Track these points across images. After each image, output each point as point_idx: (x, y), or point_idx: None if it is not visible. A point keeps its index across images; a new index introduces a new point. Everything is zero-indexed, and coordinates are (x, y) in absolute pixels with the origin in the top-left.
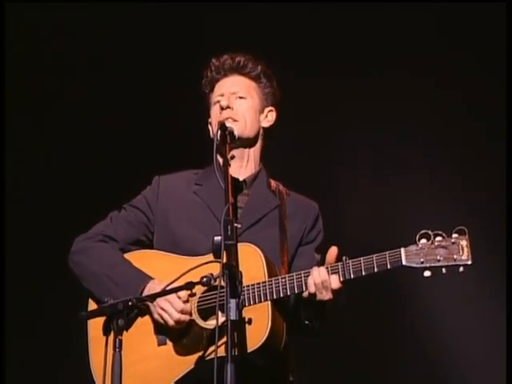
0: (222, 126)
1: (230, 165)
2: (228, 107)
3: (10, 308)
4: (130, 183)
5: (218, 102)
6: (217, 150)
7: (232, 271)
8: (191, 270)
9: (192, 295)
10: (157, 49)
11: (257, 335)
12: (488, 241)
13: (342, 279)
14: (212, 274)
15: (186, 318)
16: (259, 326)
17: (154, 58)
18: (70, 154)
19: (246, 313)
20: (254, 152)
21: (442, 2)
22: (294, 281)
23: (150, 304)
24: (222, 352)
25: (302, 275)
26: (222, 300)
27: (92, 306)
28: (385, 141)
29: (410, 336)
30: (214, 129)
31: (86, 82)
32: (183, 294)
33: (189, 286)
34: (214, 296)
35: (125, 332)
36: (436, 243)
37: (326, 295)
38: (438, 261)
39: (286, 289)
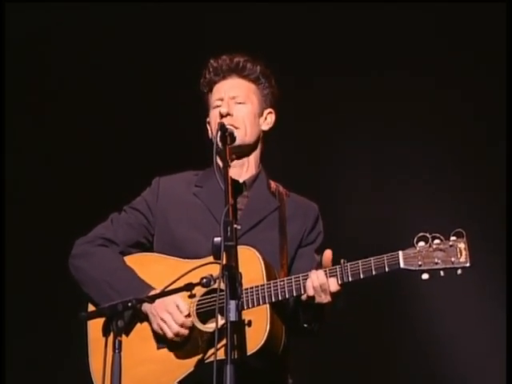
0: (222, 127)
1: (230, 166)
2: (228, 114)
3: (9, 308)
4: (130, 184)
5: (217, 106)
6: (217, 152)
7: (232, 272)
8: (191, 271)
9: (191, 296)
10: (157, 49)
11: (255, 338)
12: (488, 241)
13: (340, 282)
14: (212, 275)
15: (185, 331)
16: (258, 328)
17: (154, 58)
18: (70, 154)
19: (245, 316)
20: (255, 155)
21: (442, 2)
22: (293, 284)
23: (149, 314)
24: (221, 355)
25: (301, 278)
26: (221, 302)
27: (91, 308)
28: (385, 141)
29: (410, 338)
30: (213, 130)
31: (85, 82)
32: (184, 308)
33: (188, 287)
34: (213, 299)
35: (124, 336)
36: (434, 246)
37: (325, 298)
38: (436, 264)
39: (285, 292)
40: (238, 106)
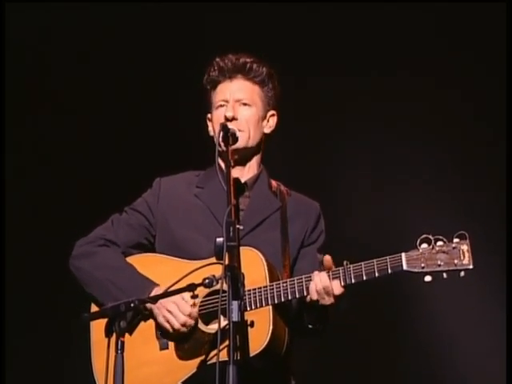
0: (225, 127)
1: (233, 166)
2: (233, 118)
3: (10, 308)
4: (131, 184)
5: (221, 106)
6: (218, 153)
7: (234, 273)
8: (193, 271)
9: (194, 297)
10: (157, 49)
11: (258, 339)
12: (488, 242)
13: (343, 284)
14: (214, 276)
15: (191, 322)
16: (261, 330)
17: (154, 58)
18: (70, 154)
19: (248, 317)
20: (256, 157)
21: (442, 2)
22: (296, 285)
23: (153, 307)
24: (224, 356)
25: (304, 280)
26: (224, 303)
27: (94, 309)
28: (385, 141)
29: (412, 339)
30: (215, 130)
31: (86, 82)
32: (189, 298)
33: (191, 287)
34: (216, 300)
35: (127, 336)
36: (437, 248)
37: (328, 300)
38: (439, 266)
39: (288, 293)
40: (242, 107)
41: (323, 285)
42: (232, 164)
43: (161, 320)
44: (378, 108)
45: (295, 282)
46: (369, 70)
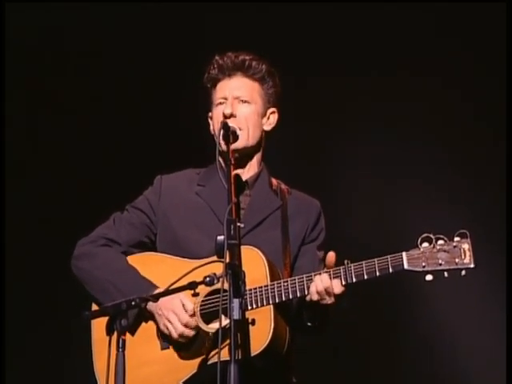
0: (225, 125)
1: (233, 164)
2: (231, 115)
3: (10, 308)
4: (132, 182)
5: (220, 104)
6: (219, 151)
7: (235, 271)
8: (194, 269)
9: (195, 295)
10: (157, 48)
11: (260, 339)
12: (488, 241)
13: (344, 283)
14: (215, 274)
15: (189, 332)
16: (262, 329)
17: (154, 57)
18: (71, 153)
19: (249, 315)
20: (257, 155)
21: (442, 2)
22: (296, 285)
23: (155, 314)
24: (225, 355)
25: (305, 279)
26: (225, 302)
27: (95, 307)
28: (385, 140)
29: (413, 338)
30: (215, 128)
31: (86, 81)
32: (190, 307)
33: (192, 285)
34: (217, 299)
35: (128, 336)
36: (438, 247)
37: (329, 300)
38: (440, 265)
39: (289, 293)
40: (241, 104)
41: (324, 286)
42: (233, 162)
43: (161, 327)
44: (378, 107)
45: (296, 281)
46: (369, 69)
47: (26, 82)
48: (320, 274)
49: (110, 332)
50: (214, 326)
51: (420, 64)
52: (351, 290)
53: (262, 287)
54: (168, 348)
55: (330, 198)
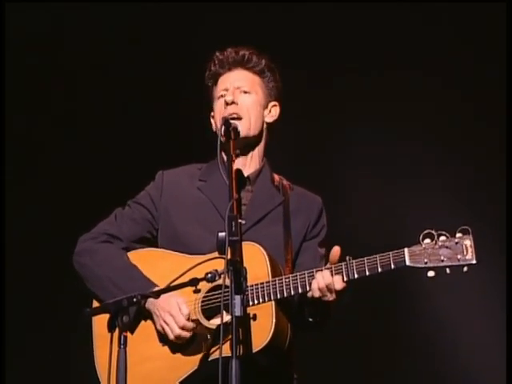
0: (226, 121)
1: (234, 160)
2: (233, 102)
3: (9, 307)
4: (134, 178)
5: (222, 96)
6: (221, 147)
7: (236, 267)
8: (196, 266)
9: (197, 291)
10: (157, 47)
11: (261, 335)
12: (491, 237)
13: (345, 279)
14: (216, 270)
15: (186, 334)
16: (263, 325)
17: (154, 55)
18: (72, 150)
19: (250, 311)
20: (258, 148)
21: (442, 2)
22: (298, 281)
23: (153, 314)
24: (226, 351)
25: (306, 275)
26: (226, 298)
27: (96, 304)
28: (387, 137)
29: (414, 334)
30: (217, 123)
31: (86, 81)
32: (186, 312)
33: (193, 282)
34: (218, 295)
35: (129, 332)
36: (440, 243)
37: (331, 297)
38: (442, 261)
39: (290, 289)
40: (243, 95)
41: (326, 282)
42: (234, 158)
43: (159, 328)
44: (380, 107)
45: (298, 277)
46: (369, 69)
47: (26, 81)
48: (322, 270)
49: (111, 329)
50: (215, 322)
51: (420, 64)
52: (352, 287)
53: (263, 283)
54: (169, 344)
55: (331, 195)
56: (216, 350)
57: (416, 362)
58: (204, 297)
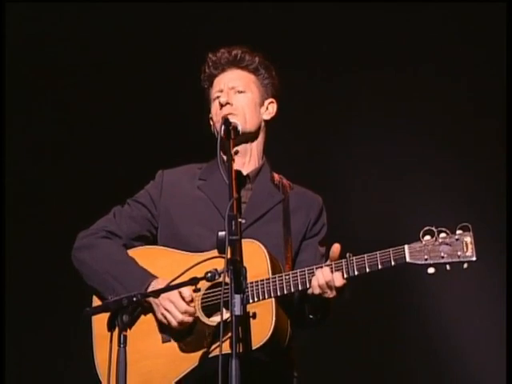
0: (226, 121)
1: (233, 160)
2: (227, 103)
3: (10, 307)
4: (133, 177)
5: (218, 97)
6: (220, 146)
7: (236, 266)
8: (196, 265)
9: (196, 290)
10: (157, 46)
11: (261, 332)
12: (491, 234)
13: (345, 276)
14: (216, 270)
15: (189, 319)
16: (263, 322)
17: (154, 55)
18: (72, 148)
19: (250, 309)
20: (257, 146)
21: (442, 2)
22: (298, 278)
23: (153, 304)
24: (226, 348)
25: (306, 272)
26: (226, 296)
27: (96, 302)
28: (387, 135)
29: (414, 331)
30: (215, 124)
31: (86, 80)
32: (187, 294)
33: (193, 281)
34: (218, 293)
35: (129, 330)
36: (440, 240)
37: (331, 294)
38: (442, 257)
39: (290, 286)
40: (237, 95)
41: (326, 279)
42: (233, 158)
43: (159, 317)
44: (380, 105)
45: (298, 274)
46: (369, 67)
47: (26, 81)
48: (321, 267)
49: (111, 328)
50: (215, 320)
51: (420, 63)
52: (352, 284)
53: (263, 280)
54: (169, 341)
55: (331, 192)
56: (216, 348)
57: (416, 361)
58: (204, 294)
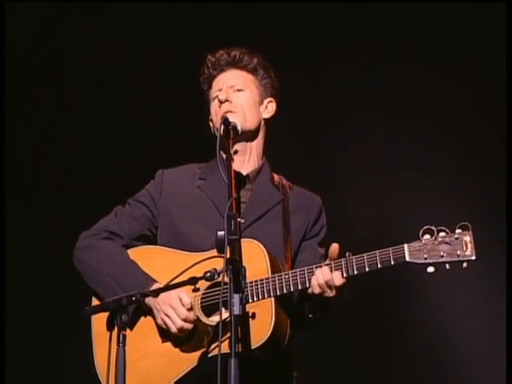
0: (226, 120)
1: (233, 159)
2: (226, 100)
3: (9, 306)
4: (134, 177)
5: (217, 97)
6: (220, 145)
7: (236, 266)
8: (195, 264)
9: (196, 290)
10: (157, 46)
11: (260, 331)
12: (491, 233)
13: (345, 275)
14: (215, 269)
15: (188, 326)
16: (263, 322)
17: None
18: (72, 148)
19: (250, 309)
20: (257, 145)
21: (442, 2)
22: (298, 277)
23: (153, 308)
24: (225, 348)
25: (306, 271)
26: (226, 296)
27: (95, 302)
28: (386, 134)
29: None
30: (215, 124)
31: (86, 79)
32: (187, 302)
33: (192, 280)
34: (217, 292)
35: (129, 329)
36: (439, 239)
37: (330, 293)
38: (442, 256)
39: (290, 285)
40: (236, 93)
41: (325, 279)
42: (233, 157)
43: (159, 322)
44: (380, 104)
45: (297, 273)
46: (369, 66)
47: (25, 80)
48: (321, 266)
49: (110, 327)
50: (214, 319)
51: (420, 63)
52: (352, 283)
53: (262, 280)
54: (168, 341)
55: (331, 191)
56: (215, 347)
57: (416, 362)
58: (203, 294)
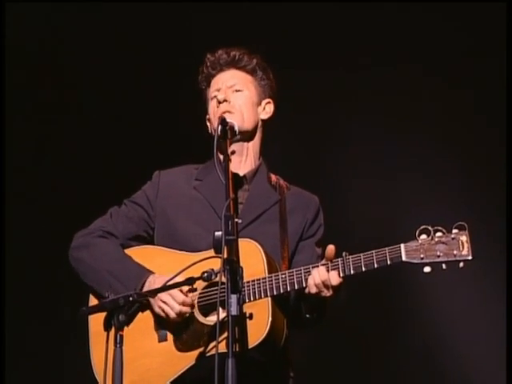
0: (223, 120)
1: (230, 160)
2: (225, 100)
3: (9, 306)
4: (130, 178)
5: (215, 96)
6: (217, 145)
7: (233, 266)
8: (192, 265)
9: (193, 290)
10: (157, 46)
11: (257, 331)
12: (488, 233)
13: (341, 275)
14: (213, 269)
15: (187, 309)
16: (259, 321)
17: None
18: (70, 149)
19: (247, 309)
20: (254, 145)
21: (442, 2)
22: (294, 277)
23: (150, 298)
24: (222, 348)
25: (302, 271)
26: (223, 296)
27: (93, 301)
28: (384, 134)
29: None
30: (213, 124)
31: (85, 79)
32: (185, 288)
33: (189, 281)
34: (215, 292)
35: (126, 328)
36: (436, 239)
37: (327, 293)
38: (438, 256)
39: (286, 285)
40: (235, 93)
41: (322, 278)
42: (230, 158)
43: (157, 310)
44: (379, 104)
45: (294, 273)
46: (369, 66)
47: (25, 80)
48: (318, 266)
49: (107, 327)
50: (211, 319)
51: (420, 63)
52: (349, 283)
53: (259, 279)
54: (166, 340)
55: (328, 192)
56: (213, 347)
57: (415, 362)
58: (200, 294)
